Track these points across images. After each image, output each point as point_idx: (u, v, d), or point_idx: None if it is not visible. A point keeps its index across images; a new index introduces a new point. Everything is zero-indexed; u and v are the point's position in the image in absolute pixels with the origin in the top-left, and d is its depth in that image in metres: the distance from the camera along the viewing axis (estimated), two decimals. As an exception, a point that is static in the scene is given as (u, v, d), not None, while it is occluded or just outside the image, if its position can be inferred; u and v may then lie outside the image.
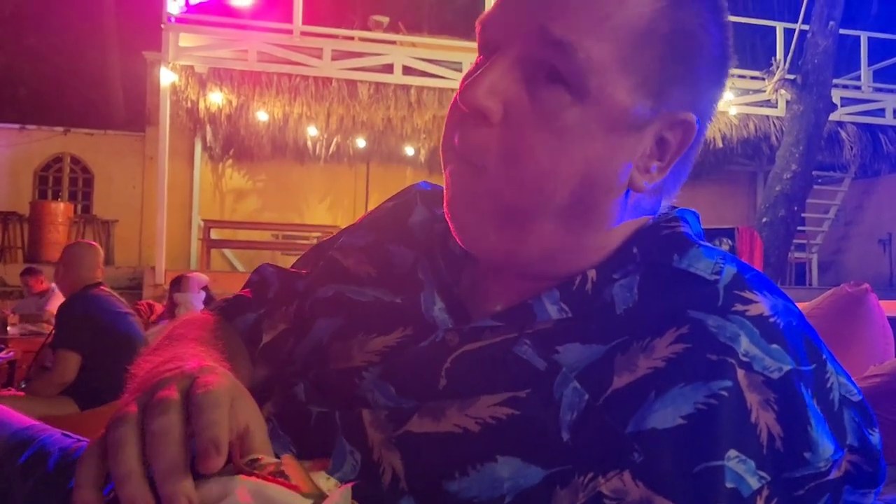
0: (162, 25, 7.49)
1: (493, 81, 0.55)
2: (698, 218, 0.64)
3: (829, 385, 0.53)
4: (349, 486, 0.47)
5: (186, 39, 7.60)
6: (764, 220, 7.20)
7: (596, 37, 0.54)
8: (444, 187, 0.60)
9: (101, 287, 3.19)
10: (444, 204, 0.60)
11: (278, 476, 0.44)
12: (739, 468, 0.49)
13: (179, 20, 7.64)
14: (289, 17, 7.80)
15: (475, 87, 0.55)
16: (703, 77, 0.58)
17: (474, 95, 0.55)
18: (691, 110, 0.58)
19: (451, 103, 0.59)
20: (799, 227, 8.14)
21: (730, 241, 5.47)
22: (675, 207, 0.64)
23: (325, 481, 0.47)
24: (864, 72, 8.95)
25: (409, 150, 9.58)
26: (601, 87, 0.54)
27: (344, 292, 0.66)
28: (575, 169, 0.55)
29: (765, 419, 0.50)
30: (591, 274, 0.58)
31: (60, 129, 10.34)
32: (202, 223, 8.94)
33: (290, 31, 7.79)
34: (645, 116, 0.56)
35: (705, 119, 0.60)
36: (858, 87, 9.01)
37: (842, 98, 8.50)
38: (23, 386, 3.22)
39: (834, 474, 0.51)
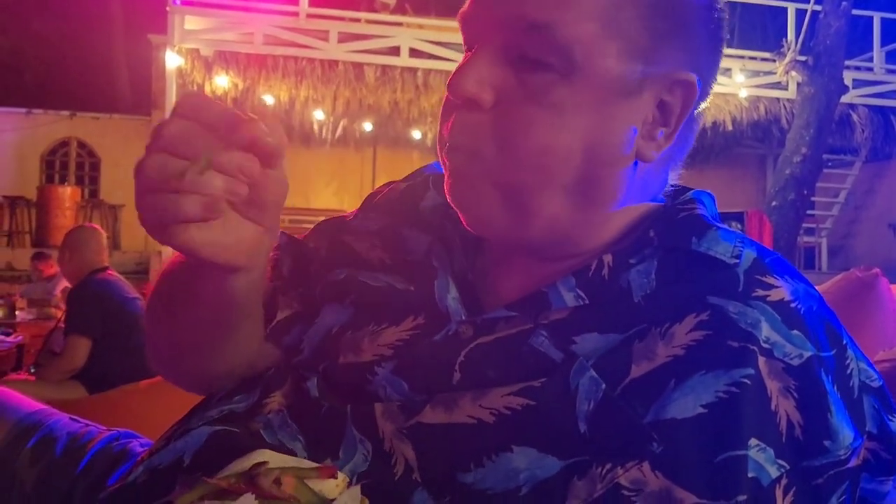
0: (167, 8, 7.46)
1: (479, 70, 0.54)
2: (714, 200, 0.62)
3: (849, 371, 0.53)
4: (357, 487, 0.47)
5: (192, 22, 7.58)
6: (773, 203, 7.15)
7: (572, 10, 0.52)
8: (444, 179, 0.59)
9: (109, 271, 3.20)
10: (446, 193, 0.59)
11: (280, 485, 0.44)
12: (760, 457, 0.48)
13: (185, 3, 7.60)
14: (295, 0, 7.75)
15: (462, 76, 0.54)
16: (696, 33, 0.56)
17: (463, 84, 0.54)
18: (689, 69, 0.56)
19: (444, 100, 0.58)
20: (809, 211, 8.09)
21: (738, 225, 5.44)
22: (689, 189, 0.62)
23: (332, 487, 0.46)
24: (877, 53, 8.85)
25: (416, 134, 9.54)
26: (587, 59, 0.53)
27: (356, 276, 0.65)
28: (574, 143, 0.53)
29: (784, 407, 0.49)
30: (607, 259, 0.56)
31: (67, 113, 10.35)
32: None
33: (296, 14, 7.74)
34: (637, 79, 0.54)
35: (707, 78, 0.58)
36: (871, 69, 8.91)
37: (854, 80, 8.41)
38: (32, 371, 3.24)
39: (853, 462, 0.50)
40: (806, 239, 9.07)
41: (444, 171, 0.59)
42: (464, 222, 0.59)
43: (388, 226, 0.69)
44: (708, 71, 0.58)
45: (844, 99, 7.74)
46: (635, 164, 0.57)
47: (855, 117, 8.72)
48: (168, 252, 0.70)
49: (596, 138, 0.54)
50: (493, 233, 0.59)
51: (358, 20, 8.16)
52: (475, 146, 0.55)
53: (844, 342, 0.54)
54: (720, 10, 0.58)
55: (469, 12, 0.58)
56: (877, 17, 8.80)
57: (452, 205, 0.59)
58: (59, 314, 3.75)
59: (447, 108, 0.58)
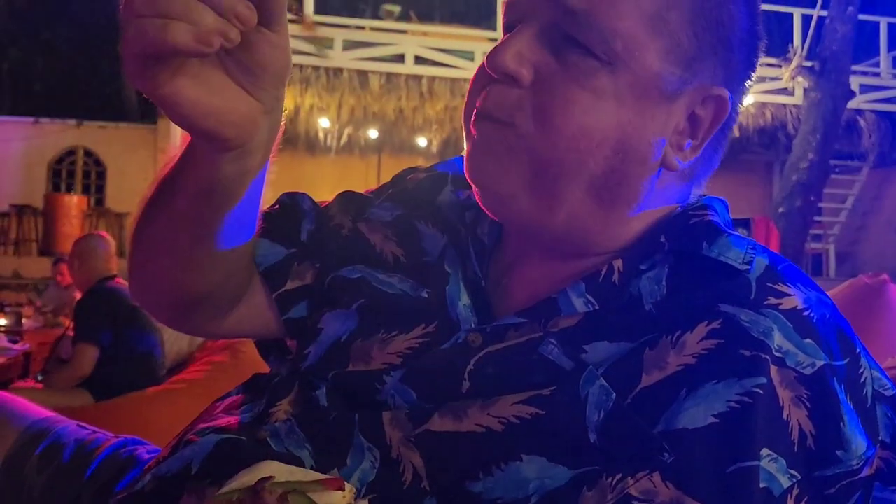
0: (174, 17, 7.50)
1: (520, 47, 0.54)
2: (727, 206, 0.62)
3: (862, 379, 0.52)
4: (364, 501, 0.46)
5: (198, 31, 7.61)
6: (780, 209, 7.14)
7: (617, 2, 0.52)
8: (466, 153, 0.58)
9: (118, 279, 3.20)
10: (466, 169, 0.58)
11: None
12: (771, 467, 0.48)
13: (191, 12, 7.64)
14: (300, 8, 7.78)
15: (503, 50, 0.54)
16: (734, 52, 0.57)
17: (503, 59, 0.54)
18: (724, 86, 0.56)
19: (473, 77, 0.58)
20: (816, 217, 8.07)
21: (745, 232, 5.43)
22: (702, 196, 0.62)
23: (339, 500, 0.46)
24: (884, 58, 8.83)
25: (422, 141, 9.55)
26: (629, 51, 0.53)
27: (369, 280, 0.64)
28: (608, 132, 0.53)
29: (797, 416, 0.49)
30: (618, 264, 0.56)
31: (74, 121, 10.39)
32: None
33: (301, 22, 7.77)
34: (675, 86, 0.54)
35: (737, 99, 0.58)
36: (877, 74, 8.90)
37: (860, 85, 8.40)
38: (40, 378, 3.25)
39: (866, 472, 0.50)
40: (813, 245, 9.03)
41: (467, 144, 0.58)
42: (480, 201, 0.58)
43: (404, 217, 0.68)
44: (739, 92, 0.58)
45: (851, 104, 7.72)
46: (659, 170, 0.57)
47: (862, 122, 8.70)
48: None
49: (628, 133, 0.54)
50: (510, 214, 0.58)
51: (363, 28, 8.18)
52: (510, 118, 0.54)
53: (858, 350, 0.53)
54: (761, 35, 0.59)
55: None
56: (883, 21, 8.79)
57: (471, 180, 0.58)
58: (67, 322, 3.76)
59: (479, 82, 0.57)
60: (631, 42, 0.53)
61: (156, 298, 0.70)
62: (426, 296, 0.61)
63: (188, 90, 0.46)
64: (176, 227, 0.60)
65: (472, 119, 0.57)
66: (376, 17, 8.55)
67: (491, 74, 0.55)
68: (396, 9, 8.64)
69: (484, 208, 0.58)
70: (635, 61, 0.53)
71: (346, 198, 0.73)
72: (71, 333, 3.17)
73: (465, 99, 0.59)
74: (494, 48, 0.55)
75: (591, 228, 0.57)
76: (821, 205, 8.30)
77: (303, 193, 0.74)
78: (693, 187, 0.61)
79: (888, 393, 0.53)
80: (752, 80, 0.60)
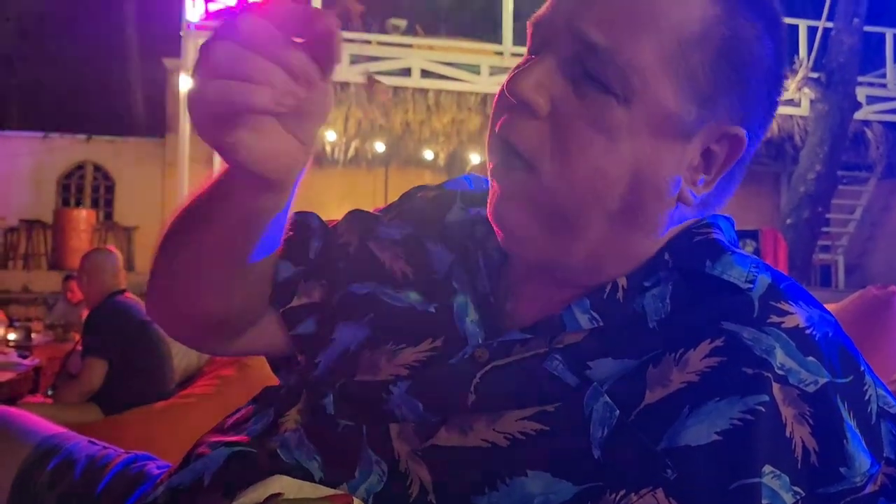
0: (181, 32, 7.56)
1: (540, 76, 0.55)
2: (732, 224, 0.62)
3: (866, 397, 0.52)
4: None
5: (206, 46, 7.67)
6: (788, 221, 7.12)
7: (639, 40, 0.53)
8: (490, 184, 0.59)
9: (127, 294, 3.21)
10: (490, 203, 0.58)
11: None
12: (774, 483, 0.48)
13: (199, 27, 7.70)
14: (307, 23, 7.84)
15: (523, 78, 0.55)
16: (755, 90, 0.57)
17: (522, 87, 0.55)
18: (741, 125, 0.56)
19: (497, 96, 0.59)
20: (824, 229, 8.04)
21: (753, 243, 5.41)
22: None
23: None
24: (890, 69, 8.82)
25: (428, 154, 9.58)
26: (646, 88, 0.53)
27: (378, 295, 0.65)
28: (625, 169, 0.54)
29: (800, 433, 0.49)
30: (622, 282, 0.57)
31: (83, 136, 10.48)
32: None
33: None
34: (692, 124, 0.55)
35: (755, 136, 0.58)
36: (884, 85, 8.87)
37: (867, 96, 8.38)
38: (49, 393, 3.25)
39: (869, 488, 0.50)
40: (822, 256, 8.99)
41: (490, 173, 0.59)
42: (500, 236, 0.59)
43: (413, 236, 0.68)
44: (758, 130, 0.59)
45: (858, 115, 7.71)
46: (677, 205, 0.57)
47: (869, 133, 8.68)
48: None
49: (644, 169, 0.54)
50: (529, 252, 0.59)
51: (369, 42, 8.23)
52: (530, 156, 0.55)
53: (862, 368, 0.53)
54: (784, 73, 0.59)
55: (542, 18, 0.58)
56: (889, 33, 8.78)
57: (493, 218, 0.59)
58: (77, 337, 3.77)
59: (501, 102, 0.58)
60: (649, 79, 0.53)
61: (178, 321, 0.72)
62: (434, 311, 0.62)
63: (247, 138, 0.49)
64: (207, 254, 0.62)
65: (495, 146, 0.58)
66: (383, 31, 8.60)
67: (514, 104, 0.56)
68: (403, 23, 8.69)
69: (502, 241, 0.59)
70: (652, 98, 0.53)
71: (355, 216, 0.74)
72: (80, 348, 3.18)
73: (490, 123, 0.59)
74: (516, 73, 0.56)
75: (609, 259, 0.57)
76: (829, 216, 8.28)
77: (311, 213, 0.76)
78: (704, 214, 0.61)
79: (893, 410, 0.54)
80: (772, 115, 0.60)
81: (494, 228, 0.59)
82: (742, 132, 0.56)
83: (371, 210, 0.75)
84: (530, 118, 0.55)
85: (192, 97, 0.49)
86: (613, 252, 0.57)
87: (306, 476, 0.56)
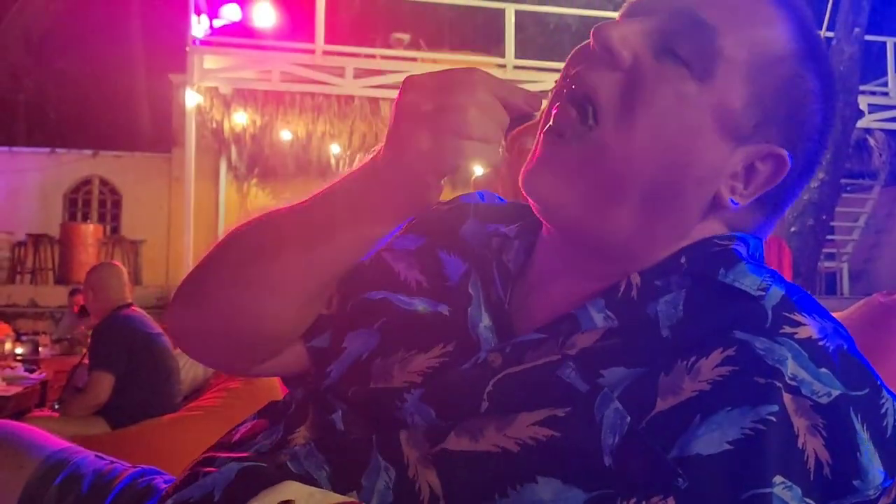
0: (187, 48, 7.61)
1: (628, 31, 0.57)
2: (761, 243, 0.62)
3: (882, 410, 0.52)
4: None
5: (211, 61, 7.71)
6: (792, 229, 7.09)
7: (740, 33, 0.57)
8: (535, 151, 0.60)
9: (133, 307, 3.23)
10: (527, 169, 0.60)
11: None
12: (786, 495, 0.48)
13: (204, 42, 7.76)
14: (311, 37, 7.88)
15: (612, 28, 0.57)
16: (805, 138, 0.60)
17: (609, 35, 0.57)
18: (789, 151, 0.59)
19: (576, 51, 0.61)
20: (828, 236, 8.00)
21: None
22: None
23: None
24: (892, 78, 8.80)
25: (432, 166, 9.58)
26: (724, 77, 0.56)
27: (391, 300, 0.65)
28: (678, 143, 0.56)
29: (812, 445, 0.49)
30: (635, 279, 0.57)
31: (89, 151, 10.53)
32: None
33: (312, 51, 7.86)
34: (746, 132, 0.57)
35: (800, 175, 0.61)
36: (886, 94, 8.87)
37: (869, 105, 8.37)
38: (56, 407, 3.26)
39: (883, 502, 0.50)
40: (827, 264, 8.95)
41: (548, 112, 0.61)
42: (529, 194, 0.60)
43: (427, 246, 0.69)
44: (802, 172, 0.61)
45: (860, 124, 7.69)
46: (709, 205, 0.59)
47: (872, 142, 8.66)
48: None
49: (693, 154, 0.56)
50: (565, 220, 0.60)
51: (373, 56, 8.27)
52: (600, 102, 0.57)
53: (878, 382, 0.53)
54: (827, 143, 0.62)
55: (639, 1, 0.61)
56: (890, 42, 8.78)
57: (527, 185, 0.60)
58: (84, 350, 3.78)
59: (578, 56, 0.60)
60: (733, 72, 0.56)
61: (219, 336, 0.69)
62: (447, 314, 0.63)
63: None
64: (304, 271, 0.65)
65: (560, 93, 0.60)
66: (386, 45, 8.64)
67: (594, 53, 0.58)
68: (406, 37, 8.73)
69: (533, 200, 0.60)
70: (723, 89, 0.56)
71: None
72: (87, 361, 3.19)
73: (562, 70, 0.61)
74: (603, 24, 0.57)
75: (633, 243, 0.58)
76: (833, 224, 8.24)
77: None
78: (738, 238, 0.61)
79: None
80: (817, 167, 0.63)
81: (528, 196, 0.60)
82: (786, 154, 0.58)
83: None
84: (609, 69, 0.57)
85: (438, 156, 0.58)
86: (643, 234, 0.58)
87: (315, 486, 0.56)
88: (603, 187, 0.57)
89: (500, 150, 0.59)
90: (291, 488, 0.53)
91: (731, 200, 0.58)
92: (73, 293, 6.06)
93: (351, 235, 0.64)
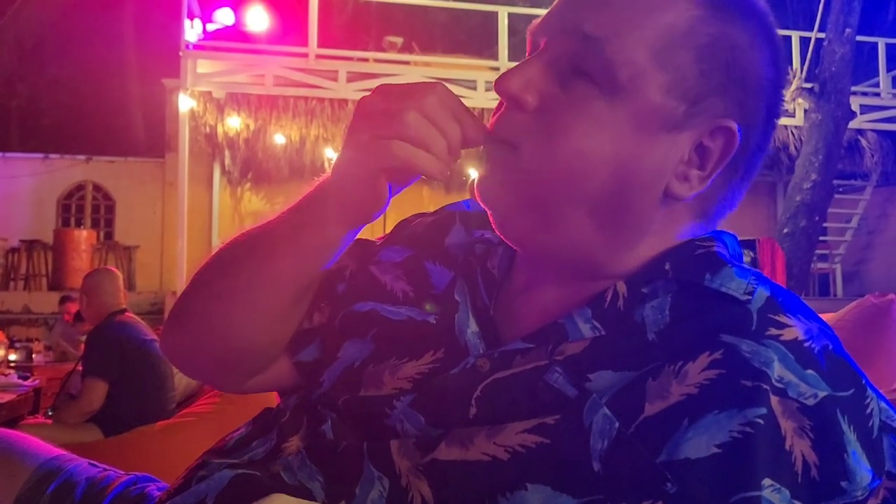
0: (180, 53, 7.60)
1: (528, 73, 0.57)
2: (736, 240, 0.63)
3: (868, 411, 0.52)
4: None
5: (204, 66, 7.70)
6: (785, 230, 7.12)
7: (629, 33, 0.55)
8: (479, 169, 0.62)
9: (127, 314, 3.21)
10: (476, 185, 0.61)
11: None
12: (774, 497, 0.48)
13: (197, 47, 7.75)
14: (304, 41, 7.88)
15: (510, 76, 0.58)
16: (750, 94, 0.58)
17: (509, 83, 0.57)
18: (736, 121, 0.57)
19: (498, 102, 0.61)
20: (821, 238, 8.03)
21: (751, 253, 5.40)
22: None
23: None
24: (883, 78, 8.85)
25: (426, 169, 9.59)
26: (632, 82, 0.55)
27: (379, 311, 0.66)
28: (606, 158, 0.55)
29: (800, 447, 0.49)
30: (622, 288, 0.57)
31: (83, 157, 10.49)
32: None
33: (305, 55, 7.87)
34: (679, 118, 0.56)
35: (756, 141, 0.59)
36: (878, 94, 8.91)
37: (861, 105, 8.41)
38: (49, 414, 3.25)
39: (870, 502, 0.50)
40: (820, 265, 8.98)
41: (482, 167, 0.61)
42: (491, 220, 0.61)
43: (413, 258, 0.70)
44: (758, 135, 0.59)
45: (852, 125, 7.73)
46: (664, 199, 0.58)
47: (864, 142, 8.70)
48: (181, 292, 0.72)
49: (627, 161, 0.56)
50: (515, 233, 0.60)
51: (366, 60, 8.27)
52: (514, 140, 0.57)
53: (864, 382, 0.53)
54: (781, 84, 0.60)
55: (535, 26, 0.61)
56: (881, 42, 8.82)
57: (480, 199, 0.60)
58: (77, 357, 3.76)
59: (497, 109, 0.61)
60: (636, 74, 0.55)
61: (205, 353, 0.71)
62: (434, 322, 0.63)
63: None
64: (271, 282, 0.66)
65: (486, 141, 0.61)
66: (379, 48, 8.64)
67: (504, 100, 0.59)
68: (399, 40, 8.74)
69: (492, 223, 0.61)
70: (638, 93, 0.55)
71: (355, 243, 0.75)
72: (80, 368, 3.18)
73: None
74: (503, 74, 0.58)
75: (595, 252, 0.58)
76: (826, 225, 8.27)
77: None
78: (707, 229, 0.62)
79: (895, 424, 0.53)
80: (774, 125, 0.61)
81: (487, 211, 0.61)
82: (734, 125, 0.57)
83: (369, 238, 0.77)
84: (518, 111, 0.58)
85: (372, 153, 0.58)
86: (599, 244, 0.58)
87: (308, 496, 0.56)
88: (542, 211, 0.57)
89: (446, 162, 0.58)
90: (280, 500, 0.53)
91: (686, 191, 0.58)
92: (63, 300, 6.03)
93: (306, 242, 0.64)
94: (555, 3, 0.61)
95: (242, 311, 0.67)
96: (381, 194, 0.61)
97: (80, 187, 10.52)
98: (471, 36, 9.95)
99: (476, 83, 7.89)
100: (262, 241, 0.67)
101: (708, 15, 0.57)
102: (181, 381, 3.22)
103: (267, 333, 0.68)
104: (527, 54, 0.61)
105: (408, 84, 0.59)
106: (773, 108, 0.60)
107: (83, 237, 9.42)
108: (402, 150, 0.57)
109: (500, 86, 0.58)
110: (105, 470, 0.88)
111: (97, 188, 10.52)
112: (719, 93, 0.56)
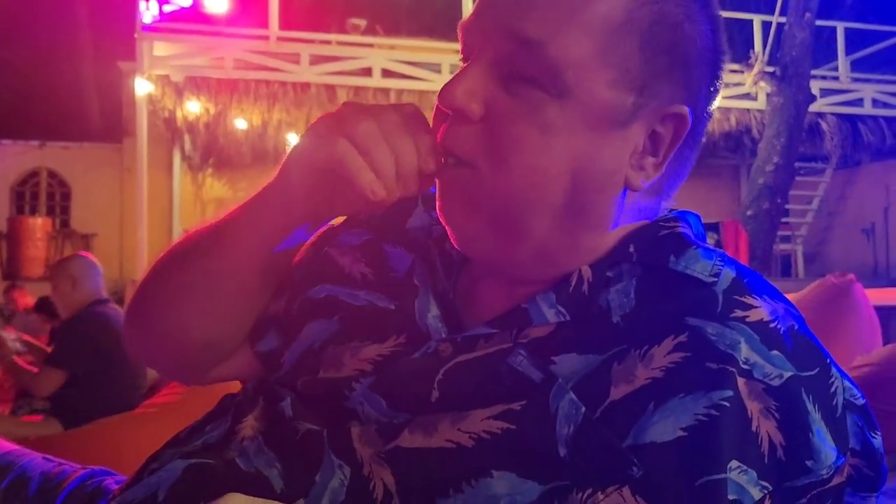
0: (136, 35, 7.42)
1: (469, 81, 0.55)
2: (700, 220, 0.62)
3: (832, 389, 0.53)
4: None
5: (161, 48, 7.55)
6: (748, 212, 7.25)
7: (568, 32, 0.53)
8: (437, 189, 0.59)
9: (110, 304, 3.10)
10: (437, 206, 0.59)
11: None
12: (741, 479, 0.48)
13: (153, 29, 7.58)
14: (265, 23, 7.76)
15: (452, 87, 0.55)
16: (694, 69, 0.57)
17: (452, 95, 0.55)
18: (684, 104, 0.56)
19: (435, 110, 0.58)
20: (783, 219, 8.21)
21: (715, 235, 5.49)
22: (674, 209, 0.63)
23: None
24: (842, 62, 9.04)
25: (391, 154, 9.56)
26: (578, 83, 0.53)
27: (337, 295, 0.64)
28: (562, 166, 0.54)
29: (766, 428, 0.49)
30: (587, 273, 0.56)
31: (36, 142, 10.24)
32: (183, 234, 8.87)
33: (266, 38, 7.75)
34: (629, 111, 0.54)
35: (701, 113, 0.58)
36: (837, 78, 9.10)
37: (821, 89, 8.58)
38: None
39: (836, 480, 0.50)
40: (782, 246, 9.18)
41: (437, 182, 0.59)
42: (451, 239, 0.59)
43: (372, 241, 0.69)
44: (702, 107, 0.59)
45: (813, 108, 7.89)
46: (624, 192, 0.57)
47: (824, 125, 8.89)
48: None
49: (584, 162, 0.54)
50: (479, 251, 0.59)
51: (329, 42, 8.18)
52: (469, 157, 0.55)
53: (828, 361, 0.54)
54: (723, 48, 0.59)
55: (469, 23, 0.58)
56: (840, 26, 9.00)
57: (442, 219, 0.59)
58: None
59: (438, 118, 0.58)
60: (581, 73, 0.53)
61: (164, 347, 0.71)
62: (394, 308, 0.62)
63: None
64: (217, 275, 0.65)
65: (437, 154, 0.58)
66: (342, 30, 8.55)
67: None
68: (363, 22, 8.66)
69: (454, 243, 0.59)
70: (585, 92, 0.53)
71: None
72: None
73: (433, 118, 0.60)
74: (446, 83, 0.56)
75: (559, 256, 0.57)
76: (788, 206, 8.45)
77: None
78: (662, 201, 0.61)
79: (859, 402, 0.54)
80: (718, 91, 0.60)
81: (447, 229, 0.59)
82: (684, 110, 0.56)
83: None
84: (465, 124, 0.55)
85: (325, 138, 0.56)
86: (564, 247, 0.57)
87: (265, 484, 0.55)
88: (506, 226, 0.56)
89: (389, 188, 0.55)
90: (235, 500, 0.51)
91: (642, 181, 0.57)
92: (9, 289, 5.81)
93: (255, 232, 0.64)
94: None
95: (187, 306, 0.66)
96: (318, 197, 0.59)
97: (34, 174, 10.27)
98: (436, 18, 9.90)
99: (441, 66, 7.86)
100: (201, 237, 0.67)
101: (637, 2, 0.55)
102: (151, 371, 3.15)
103: (225, 325, 0.67)
104: (460, 52, 0.58)
105: (388, 105, 0.58)
106: (716, 75, 0.59)
107: (38, 225, 9.23)
108: (345, 152, 0.54)
109: (443, 99, 0.55)
110: (61, 464, 0.87)
111: (52, 174, 10.29)
112: (665, 76, 0.55)
